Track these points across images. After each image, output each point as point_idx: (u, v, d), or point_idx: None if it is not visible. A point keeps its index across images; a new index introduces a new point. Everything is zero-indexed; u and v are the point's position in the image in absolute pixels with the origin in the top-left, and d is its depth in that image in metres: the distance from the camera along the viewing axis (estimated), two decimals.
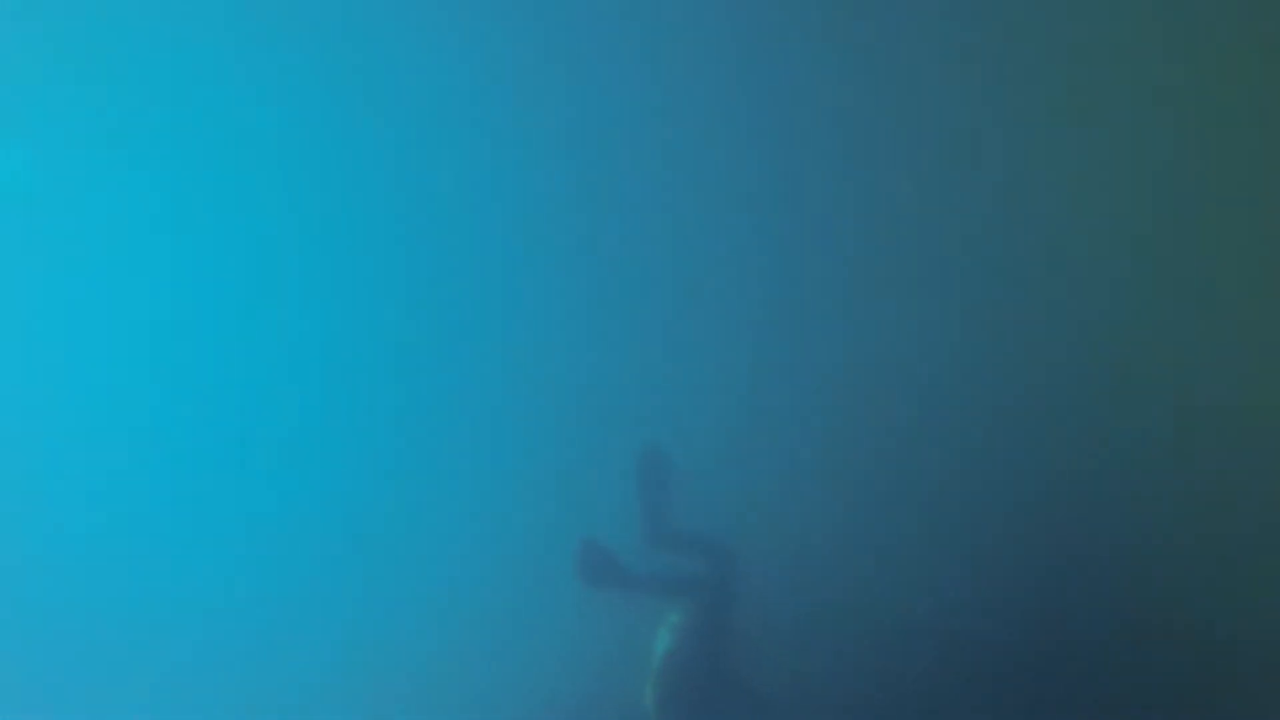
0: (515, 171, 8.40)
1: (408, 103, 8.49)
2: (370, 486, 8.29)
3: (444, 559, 7.96)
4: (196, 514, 8.48)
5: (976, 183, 7.51)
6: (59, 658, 7.92)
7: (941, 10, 7.62)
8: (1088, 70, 7.26)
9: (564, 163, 8.31)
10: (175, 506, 8.50)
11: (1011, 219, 7.41)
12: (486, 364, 8.34)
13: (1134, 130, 7.12)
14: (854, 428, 7.47)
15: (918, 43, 7.65)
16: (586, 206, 8.27)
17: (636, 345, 8.04)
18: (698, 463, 7.24)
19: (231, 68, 8.49)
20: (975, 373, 7.31)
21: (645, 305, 8.11)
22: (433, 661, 7.56)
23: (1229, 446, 6.57)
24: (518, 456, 8.03)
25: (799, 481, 7.46)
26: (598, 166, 8.27)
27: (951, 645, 6.79)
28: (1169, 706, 6.16)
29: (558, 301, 8.26)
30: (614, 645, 6.75)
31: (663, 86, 8.18)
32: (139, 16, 8.40)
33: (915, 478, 7.25)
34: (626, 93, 8.23)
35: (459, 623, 7.69)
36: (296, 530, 8.28)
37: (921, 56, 7.65)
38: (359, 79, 8.47)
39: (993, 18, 7.46)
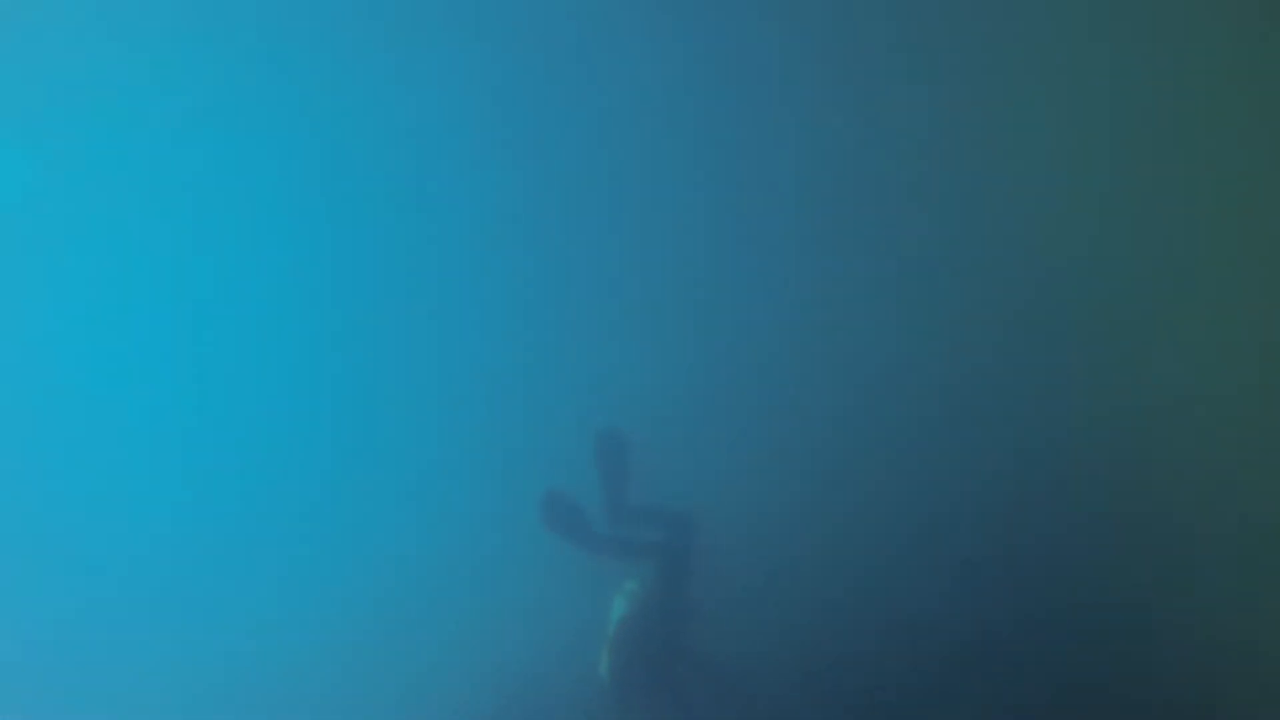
0: (498, 167, 8.55)
1: (389, 109, 8.63)
2: (331, 464, 8.38)
3: (402, 533, 8.05)
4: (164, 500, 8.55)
5: (947, 175, 7.66)
6: (60, 658, 7.99)
7: (942, 11, 7.77)
8: (1087, 71, 7.41)
9: (545, 157, 8.46)
10: (158, 502, 8.54)
11: (978, 212, 7.56)
12: (453, 347, 8.45)
13: (1134, 130, 7.24)
14: (810, 406, 7.61)
15: (915, 47, 7.82)
16: (560, 197, 8.43)
17: (599, 328, 8.17)
18: (660, 438, 7.37)
19: (232, 69, 8.68)
20: (921, 347, 7.44)
21: (608, 292, 8.25)
22: (389, 631, 7.62)
23: (1229, 446, 6.63)
24: (479, 433, 8.13)
25: (755, 457, 7.57)
26: (578, 160, 8.42)
27: (904, 615, 6.85)
28: (1151, 701, 6.17)
29: (525, 287, 8.39)
30: (571, 613, 6.83)
31: (648, 86, 8.32)
32: (140, 17, 8.60)
33: (869, 452, 7.37)
34: (614, 91, 8.36)
35: (417, 593, 7.76)
36: (269, 506, 8.36)
37: (920, 61, 7.80)
38: (354, 83, 8.67)
39: (994, 18, 7.63)
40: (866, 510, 7.20)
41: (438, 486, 8.09)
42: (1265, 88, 6.79)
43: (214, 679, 7.70)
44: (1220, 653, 6.17)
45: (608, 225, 8.35)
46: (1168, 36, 7.13)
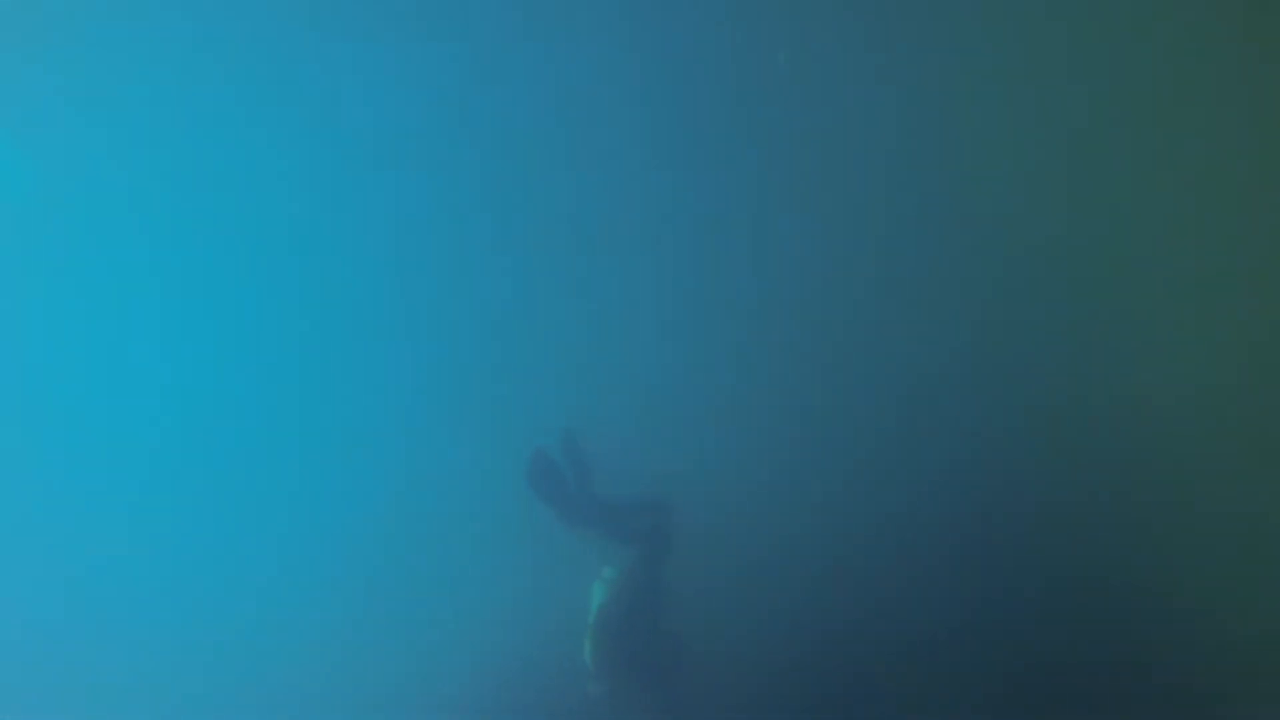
0: (494, 172, 8.59)
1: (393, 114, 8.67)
2: (322, 460, 8.48)
3: (385, 524, 8.13)
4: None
5: (931, 167, 7.66)
6: (60, 659, 8.01)
7: (943, 13, 7.77)
8: (1087, 74, 7.40)
9: (539, 160, 8.50)
10: (153, 498, 8.62)
11: (962, 202, 7.56)
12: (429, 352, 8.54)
13: (1134, 132, 7.24)
14: (787, 391, 7.65)
15: (913, 44, 7.81)
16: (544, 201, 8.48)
17: (579, 322, 8.23)
18: (639, 426, 7.44)
19: (232, 72, 8.71)
20: (905, 335, 7.48)
21: (589, 284, 8.31)
22: (372, 623, 7.71)
23: (1230, 447, 6.63)
24: (457, 431, 8.21)
25: (732, 442, 7.62)
26: (566, 162, 8.47)
27: (884, 601, 6.90)
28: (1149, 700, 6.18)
29: (511, 283, 8.45)
30: (552, 601, 6.90)
31: (640, 84, 8.34)
32: (139, 18, 8.59)
33: (851, 438, 7.41)
34: (609, 93, 8.40)
35: (400, 585, 7.84)
36: (257, 503, 8.45)
37: (915, 58, 7.79)
38: (351, 84, 8.67)
39: (994, 19, 7.64)
40: (846, 495, 7.25)
41: (419, 477, 8.17)
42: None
43: (206, 672, 7.78)
44: (1221, 653, 6.20)
45: (591, 221, 8.39)
46: (1169, 34, 7.12)
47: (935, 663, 6.51)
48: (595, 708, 6.65)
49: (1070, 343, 7.16)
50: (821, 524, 7.16)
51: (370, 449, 8.39)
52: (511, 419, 7.96)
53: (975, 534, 6.87)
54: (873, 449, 7.33)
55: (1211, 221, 6.97)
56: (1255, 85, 6.89)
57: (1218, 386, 6.71)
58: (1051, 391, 7.10)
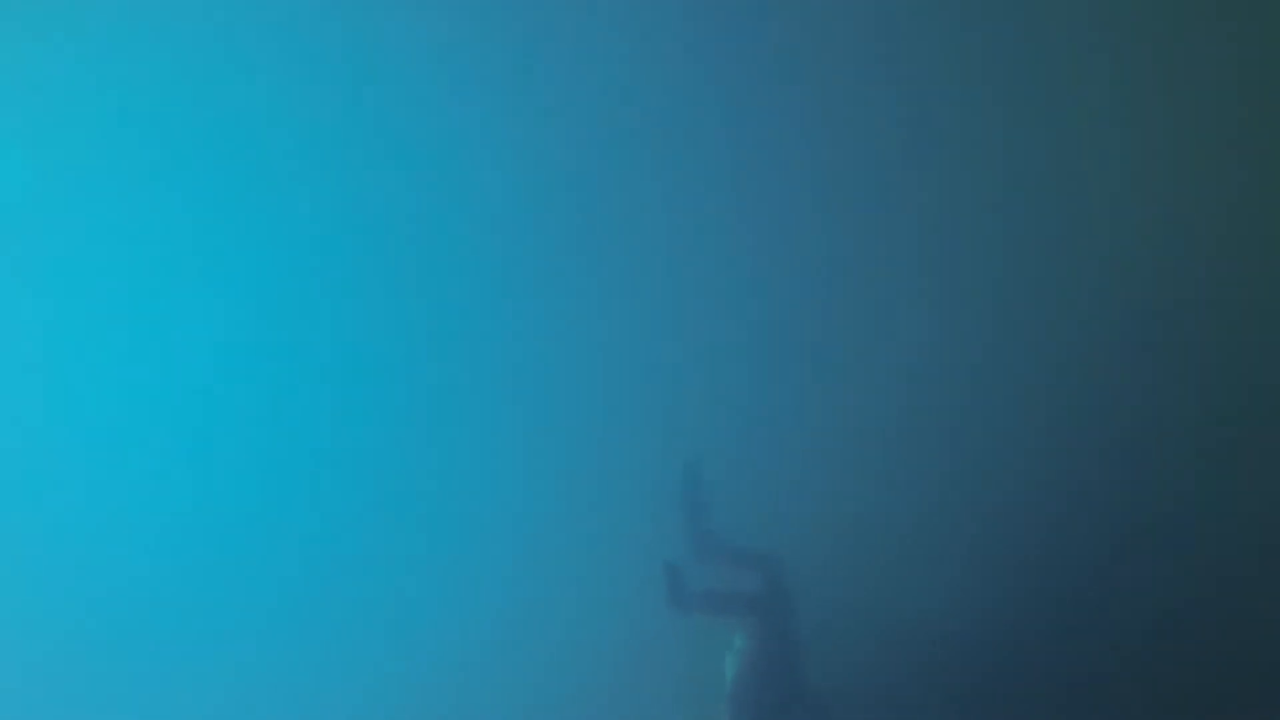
0: (539, 188, 8.24)
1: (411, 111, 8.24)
2: (433, 518, 8.17)
3: (519, 599, 7.89)
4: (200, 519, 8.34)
5: (977, 185, 7.53)
6: (62, 659, 7.90)
7: (942, 13, 7.53)
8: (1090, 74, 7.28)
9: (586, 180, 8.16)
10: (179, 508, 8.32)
11: (1011, 222, 7.46)
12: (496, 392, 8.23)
13: (1135, 132, 7.18)
14: (887, 429, 7.53)
15: (918, 44, 7.57)
16: (606, 223, 8.15)
17: (662, 361, 7.96)
18: (734, 474, 7.23)
19: (232, 72, 8.37)
20: (995, 377, 7.40)
21: (665, 317, 8.05)
22: (516, 696, 7.52)
23: (1231, 447, 6.75)
24: (557, 487, 7.94)
25: (835, 491, 7.50)
26: (612, 182, 8.13)
27: (1028, 653, 6.92)
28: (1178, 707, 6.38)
29: (577, 318, 8.16)
30: (689, 671, 6.81)
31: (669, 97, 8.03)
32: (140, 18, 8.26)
33: (953, 479, 7.36)
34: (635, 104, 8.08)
35: (541, 660, 7.66)
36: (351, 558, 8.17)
37: (921, 59, 7.58)
38: (358, 84, 8.33)
39: (995, 20, 7.40)
40: (963, 539, 7.22)
41: (546, 548, 7.91)
42: None
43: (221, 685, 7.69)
44: (1225, 654, 6.35)
45: (677, 257, 8.08)
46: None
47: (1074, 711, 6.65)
48: None
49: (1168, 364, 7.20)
50: (937, 571, 7.15)
51: (509, 529, 8.05)
52: (609, 473, 7.69)
53: (1123, 587, 6.93)
54: (989, 491, 7.31)
55: (1212, 221, 7.09)
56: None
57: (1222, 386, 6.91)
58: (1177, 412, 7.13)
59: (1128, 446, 6.96)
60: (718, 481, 7.14)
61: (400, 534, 8.13)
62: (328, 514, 8.20)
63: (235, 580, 8.09)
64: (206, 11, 8.28)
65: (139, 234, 8.52)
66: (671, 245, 8.05)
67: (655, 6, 8.00)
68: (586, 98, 8.16)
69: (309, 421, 8.41)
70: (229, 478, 8.35)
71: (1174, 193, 7.10)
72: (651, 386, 7.91)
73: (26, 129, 8.44)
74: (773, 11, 7.87)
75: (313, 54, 8.34)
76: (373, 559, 8.05)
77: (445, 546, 8.00)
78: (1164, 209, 7.12)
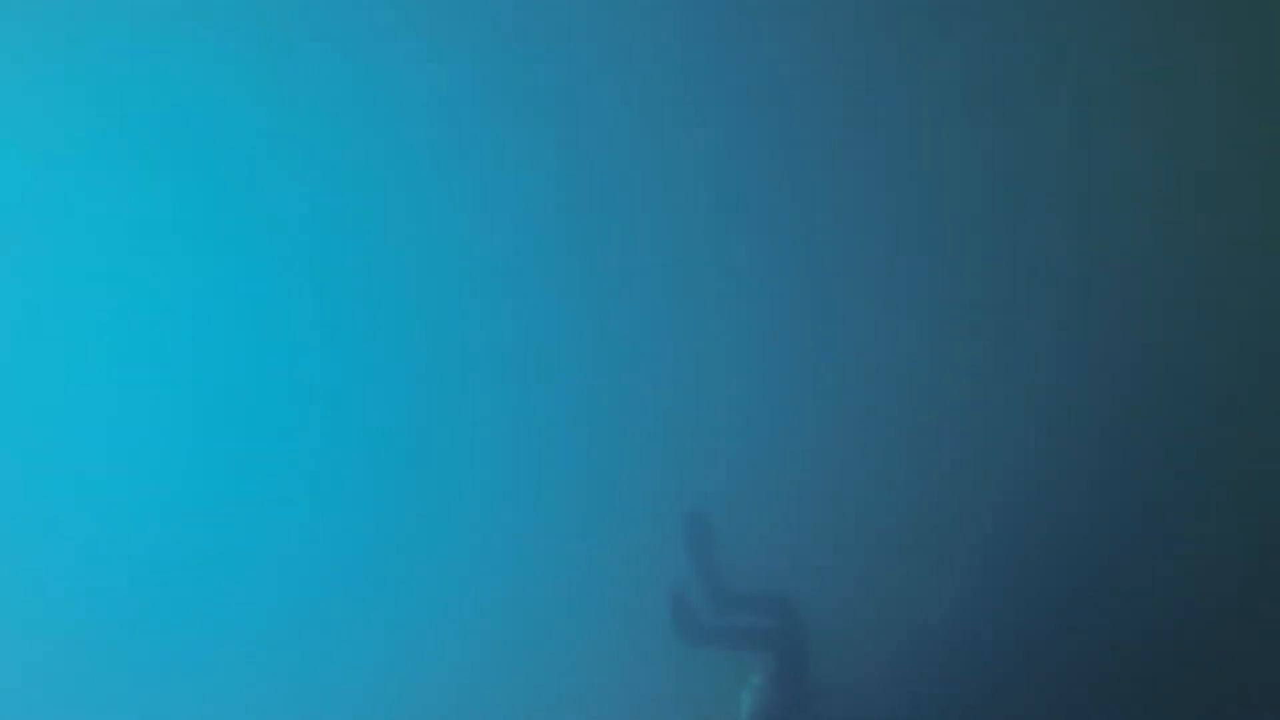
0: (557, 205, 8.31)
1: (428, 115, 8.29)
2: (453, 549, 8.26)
3: (533, 636, 7.95)
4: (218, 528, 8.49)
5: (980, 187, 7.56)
6: (62, 659, 7.75)
7: (942, 13, 7.52)
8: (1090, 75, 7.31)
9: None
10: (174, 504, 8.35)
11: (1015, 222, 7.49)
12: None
13: (1135, 132, 7.22)
14: (896, 460, 7.56)
15: (917, 43, 7.57)
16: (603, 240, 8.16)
17: (662, 362, 7.98)
18: (734, 474, 7.28)
19: (231, 70, 8.11)
20: (995, 378, 7.44)
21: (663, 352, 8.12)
22: None
23: (1232, 448, 6.80)
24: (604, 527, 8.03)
25: (845, 527, 7.57)
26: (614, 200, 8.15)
27: (1053, 685, 6.97)
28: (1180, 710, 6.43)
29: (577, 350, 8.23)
30: (704, 708, 6.89)
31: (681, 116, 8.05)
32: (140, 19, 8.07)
33: (956, 485, 7.39)
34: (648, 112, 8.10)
35: (549, 696, 7.74)
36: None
37: (920, 59, 7.57)
38: (355, 84, 8.04)
39: (995, 19, 7.39)
40: (980, 564, 7.29)
41: (556, 570, 7.94)
42: None
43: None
44: (1227, 657, 6.37)
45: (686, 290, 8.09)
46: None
47: None
48: None
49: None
50: (960, 597, 7.22)
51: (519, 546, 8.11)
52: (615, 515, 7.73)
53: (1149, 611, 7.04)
54: (1006, 516, 7.37)
55: (1212, 222, 7.17)
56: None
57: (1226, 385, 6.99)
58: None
59: (1129, 447, 7.03)
60: (717, 482, 7.19)
61: (400, 534, 8.20)
62: (327, 514, 8.24)
63: (233, 579, 8.01)
64: (206, 11, 8.11)
65: (138, 233, 8.30)
66: (672, 245, 8.07)
67: (655, 6, 7.98)
68: (585, 98, 8.18)
69: (308, 421, 8.48)
70: (227, 476, 8.40)
71: (1174, 192, 7.14)
72: (652, 386, 7.94)
73: (27, 129, 8.37)
74: (772, 11, 7.89)
75: (312, 54, 8.16)
76: (372, 559, 8.10)
77: (445, 547, 8.06)
78: (1164, 209, 7.16)
